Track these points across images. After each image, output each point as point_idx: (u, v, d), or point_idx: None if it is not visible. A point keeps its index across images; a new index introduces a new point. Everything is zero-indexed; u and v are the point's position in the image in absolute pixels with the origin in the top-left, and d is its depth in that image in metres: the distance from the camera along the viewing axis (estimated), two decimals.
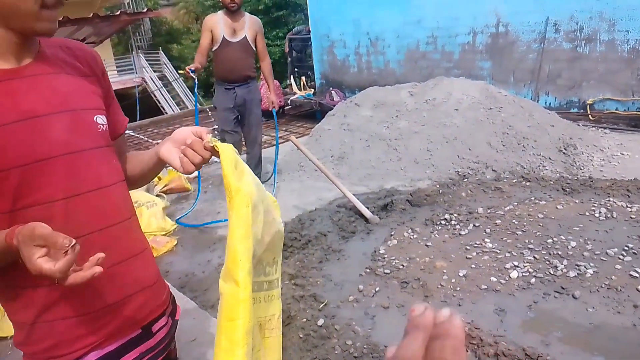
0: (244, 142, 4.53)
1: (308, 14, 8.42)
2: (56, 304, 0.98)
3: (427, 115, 5.01)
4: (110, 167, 1.08)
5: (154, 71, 18.31)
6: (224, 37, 4.01)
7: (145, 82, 17.53)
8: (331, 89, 8.17)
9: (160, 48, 19.63)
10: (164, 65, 18.77)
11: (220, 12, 4.09)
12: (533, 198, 3.54)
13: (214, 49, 4.08)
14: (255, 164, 4.52)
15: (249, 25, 4.09)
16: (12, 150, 0.91)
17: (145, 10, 5.91)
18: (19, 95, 0.94)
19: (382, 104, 5.41)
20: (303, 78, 9.35)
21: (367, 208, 3.65)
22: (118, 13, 4.26)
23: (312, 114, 8.00)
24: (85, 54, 1.12)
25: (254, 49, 4.18)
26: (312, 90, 9.02)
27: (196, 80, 4.03)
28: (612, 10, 5.44)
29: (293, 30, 9.58)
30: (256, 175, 3.50)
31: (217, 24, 4.00)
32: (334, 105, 7.12)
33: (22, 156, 0.92)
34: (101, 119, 1.07)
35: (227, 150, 0.95)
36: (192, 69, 3.94)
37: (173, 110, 16.64)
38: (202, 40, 4.10)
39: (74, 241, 0.79)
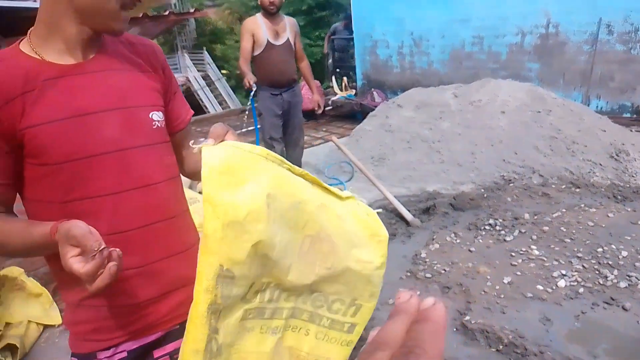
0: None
1: (351, 14, 8.39)
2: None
3: (471, 117, 4.91)
4: (162, 164, 1.10)
5: (198, 70, 18.71)
6: (268, 40, 3.88)
7: (189, 81, 17.92)
8: (373, 89, 8.11)
9: (204, 48, 20.04)
10: (208, 65, 19.13)
11: (258, 14, 3.97)
12: (582, 205, 3.41)
13: (256, 54, 3.94)
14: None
15: (290, 27, 4.02)
16: (65, 146, 0.95)
17: (192, 10, 6.03)
18: (77, 91, 0.98)
19: (425, 105, 5.34)
20: (345, 78, 9.32)
21: (408, 211, 3.60)
22: (166, 13, 4.34)
23: (353, 114, 7.97)
24: (147, 49, 1.14)
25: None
26: (354, 90, 8.97)
27: (253, 90, 3.90)
28: None
29: (331, 29, 9.53)
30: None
31: (259, 27, 3.88)
32: (375, 106, 7.07)
33: (74, 151, 0.96)
34: (157, 115, 1.08)
35: (213, 156, 0.82)
36: (253, 82, 3.81)
37: (215, 110, 16.96)
38: (244, 44, 3.96)
39: (102, 245, 0.81)
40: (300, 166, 4.47)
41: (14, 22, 2.57)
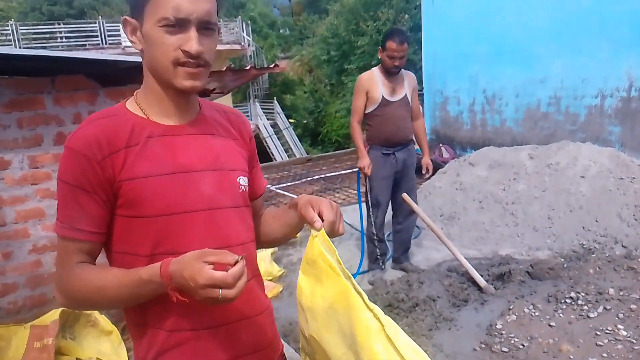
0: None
1: (422, 71, 8.50)
2: (171, 350, 1.04)
3: (548, 181, 4.73)
4: (245, 227, 1.14)
5: (267, 119, 19.50)
6: (383, 96, 3.65)
7: (259, 128, 18.67)
8: (441, 145, 8.07)
9: (274, 98, 20.93)
10: (277, 114, 19.93)
11: (375, 69, 3.76)
12: None
13: (369, 111, 3.71)
14: (411, 235, 4.21)
15: (408, 82, 3.77)
16: (163, 200, 0.99)
17: (272, 65, 6.31)
18: (178, 150, 1.04)
19: (499, 165, 5.22)
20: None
21: (481, 275, 3.47)
22: (248, 67, 4.58)
23: (419, 168, 7.91)
24: (238, 119, 1.21)
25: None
26: None
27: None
28: None
29: None
30: (408, 242, 3.20)
31: (374, 83, 3.65)
32: (444, 162, 7.00)
33: (170, 206, 1.00)
34: (243, 180, 1.14)
35: (314, 246, 0.99)
36: (365, 166, 3.66)
37: (282, 157, 17.49)
38: (357, 103, 3.72)
39: (241, 257, 0.87)
40: (412, 232, 4.23)
41: (112, 73, 2.81)
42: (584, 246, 4.11)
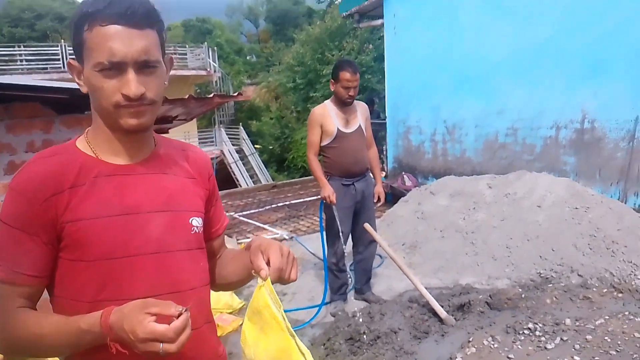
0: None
1: (385, 100, 8.65)
2: None
3: (506, 210, 4.83)
4: (197, 271, 1.10)
5: (233, 145, 19.44)
6: (338, 128, 3.65)
7: (224, 154, 18.57)
8: (403, 173, 8.18)
9: (240, 123, 20.95)
10: (243, 140, 19.92)
11: (327, 102, 3.76)
12: (627, 312, 3.22)
13: (325, 144, 3.70)
14: (369, 267, 4.18)
15: (361, 112, 3.81)
16: (107, 243, 0.95)
17: (236, 94, 6.30)
18: (127, 190, 1.00)
19: (459, 194, 5.30)
20: None
21: (442, 306, 3.47)
22: (211, 95, 4.55)
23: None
24: (197, 156, 1.18)
25: None
26: (384, 173, 9.07)
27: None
28: None
29: None
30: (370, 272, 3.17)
31: (328, 116, 3.65)
32: (406, 189, 7.09)
33: (115, 249, 0.96)
34: (197, 221, 1.09)
35: (260, 296, 0.99)
36: (329, 195, 3.63)
37: (247, 184, 17.40)
38: (312, 138, 3.70)
39: (185, 308, 0.84)
40: (372, 261, 4.20)
41: (70, 99, 2.73)
42: (542, 275, 4.19)
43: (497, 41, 6.82)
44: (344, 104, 3.68)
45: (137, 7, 0.92)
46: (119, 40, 0.90)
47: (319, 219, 4.11)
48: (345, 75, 3.54)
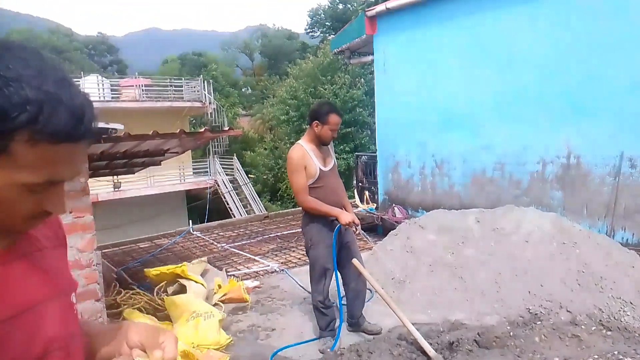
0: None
1: (375, 134, 8.77)
2: None
3: (495, 245, 4.85)
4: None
5: (226, 174, 19.52)
6: (320, 168, 3.74)
7: (218, 184, 18.64)
8: (394, 205, 8.23)
9: (234, 154, 21.10)
10: (236, 170, 20.02)
11: (302, 143, 3.80)
12: (616, 352, 3.22)
13: (309, 184, 3.74)
14: (363, 298, 4.18)
15: (331, 149, 4.00)
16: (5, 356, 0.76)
17: (227, 128, 6.38)
18: (7, 285, 0.78)
19: (448, 229, 5.33)
20: (366, 192, 9.54)
21: (430, 344, 3.45)
22: (202, 130, 4.62)
23: (373, 227, 8.06)
24: (53, 220, 0.98)
25: None
26: (375, 204, 9.13)
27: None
28: None
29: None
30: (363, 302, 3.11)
31: (309, 157, 3.72)
32: (396, 222, 7.12)
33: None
34: (74, 298, 0.94)
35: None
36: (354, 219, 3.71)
37: (240, 213, 17.39)
38: (300, 181, 3.70)
39: None
40: (365, 291, 4.16)
41: None
42: (530, 311, 4.18)
43: (481, 82, 7.02)
44: (323, 144, 3.81)
45: None
46: None
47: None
48: (335, 119, 3.71)
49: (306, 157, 3.71)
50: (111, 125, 3.30)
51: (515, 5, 6.57)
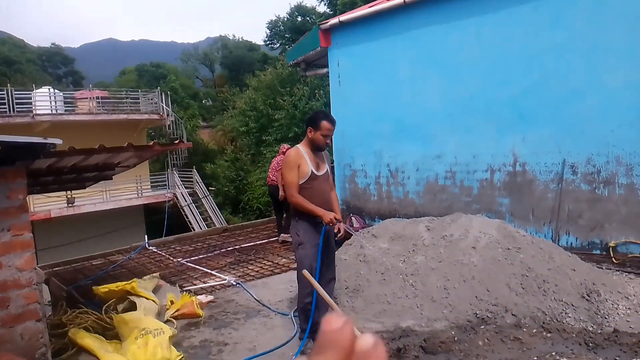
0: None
1: (332, 144, 8.85)
2: None
3: (444, 252, 4.97)
4: None
5: (186, 187, 19.21)
6: (312, 171, 3.96)
7: (177, 197, 18.31)
8: (352, 214, 8.30)
9: (194, 167, 20.81)
10: (196, 183, 19.74)
11: (300, 146, 4.08)
12: (554, 353, 3.35)
13: (300, 183, 3.96)
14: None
15: (326, 158, 4.18)
16: None
17: (177, 141, 6.31)
18: None
19: (400, 237, 5.42)
20: None
21: None
22: (152, 143, 4.57)
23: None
24: None
25: None
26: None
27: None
28: (628, 155, 5.54)
29: None
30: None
31: (303, 159, 3.97)
32: (356, 230, 7.17)
33: None
34: None
35: None
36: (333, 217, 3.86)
37: (200, 227, 17.12)
38: (292, 178, 3.94)
39: None
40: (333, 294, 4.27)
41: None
42: (478, 315, 4.29)
43: (430, 92, 7.24)
44: (318, 150, 4.04)
45: None
46: None
47: (272, 261, 4.15)
48: (327, 125, 3.96)
49: (301, 158, 3.97)
50: (49, 140, 3.21)
51: (463, 18, 6.81)
